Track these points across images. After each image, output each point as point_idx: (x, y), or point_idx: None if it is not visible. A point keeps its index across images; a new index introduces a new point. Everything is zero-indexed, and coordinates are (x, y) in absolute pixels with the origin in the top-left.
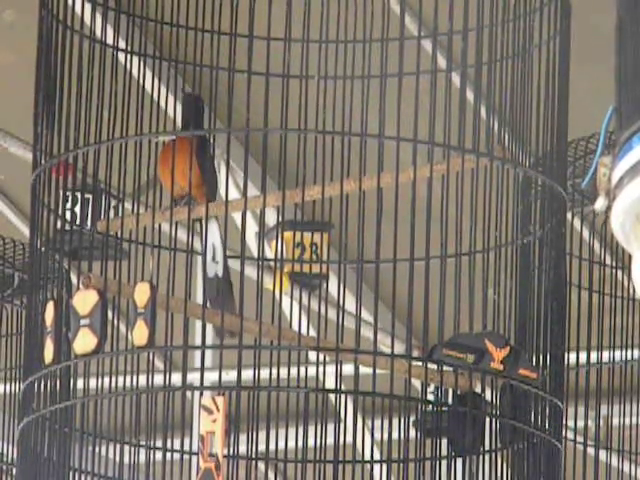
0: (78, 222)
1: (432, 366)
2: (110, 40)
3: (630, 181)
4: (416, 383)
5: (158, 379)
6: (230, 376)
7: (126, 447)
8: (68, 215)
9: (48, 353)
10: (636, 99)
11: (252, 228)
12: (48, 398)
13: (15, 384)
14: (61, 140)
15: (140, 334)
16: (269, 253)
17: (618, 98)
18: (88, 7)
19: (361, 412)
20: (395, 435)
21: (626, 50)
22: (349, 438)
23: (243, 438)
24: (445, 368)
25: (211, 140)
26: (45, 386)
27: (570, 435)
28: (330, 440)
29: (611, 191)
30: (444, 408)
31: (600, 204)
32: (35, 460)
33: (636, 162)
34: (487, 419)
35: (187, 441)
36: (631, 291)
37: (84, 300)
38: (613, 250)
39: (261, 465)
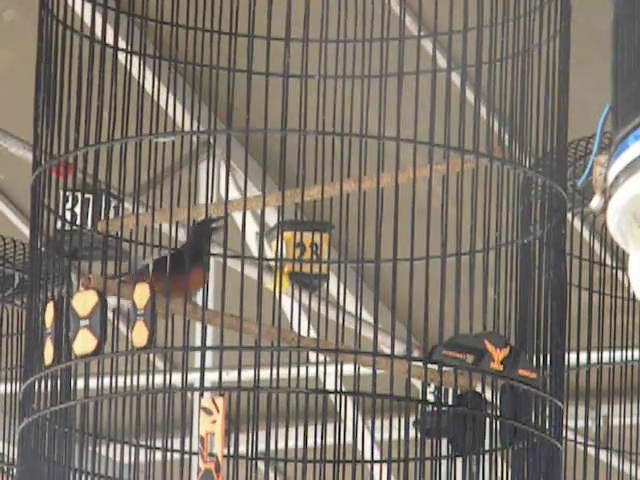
0: (78, 222)
1: (432, 366)
2: (110, 40)
3: (626, 180)
4: (416, 383)
5: (158, 380)
6: (230, 377)
7: (126, 447)
8: (68, 215)
9: (48, 354)
10: (632, 97)
11: (252, 228)
12: (48, 399)
13: (15, 384)
14: (61, 140)
15: (140, 335)
16: (269, 253)
17: (614, 96)
18: (88, 7)
19: (361, 412)
20: (395, 435)
21: (622, 48)
22: (349, 438)
23: (243, 438)
24: (445, 368)
25: (211, 140)
26: (45, 387)
27: (570, 435)
28: (330, 440)
29: (607, 190)
30: (444, 408)
31: (596, 203)
32: (35, 460)
33: (632, 161)
34: (487, 419)
35: (187, 441)
36: (631, 291)
37: (84, 301)
38: (613, 250)
39: (261, 465)
